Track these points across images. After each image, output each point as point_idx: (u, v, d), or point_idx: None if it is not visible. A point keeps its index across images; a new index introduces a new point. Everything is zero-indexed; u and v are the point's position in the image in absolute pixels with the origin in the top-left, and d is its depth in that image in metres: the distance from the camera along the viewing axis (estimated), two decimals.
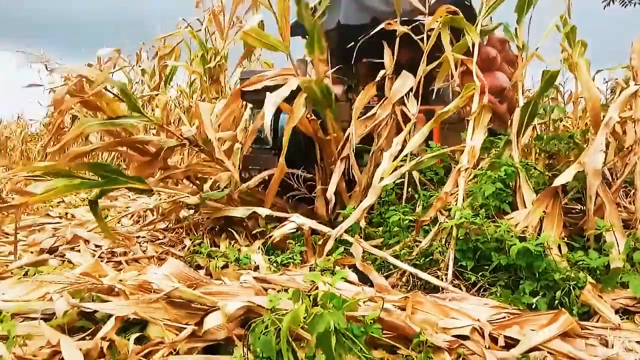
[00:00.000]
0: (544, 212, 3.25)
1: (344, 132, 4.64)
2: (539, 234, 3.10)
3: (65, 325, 2.12)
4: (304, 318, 1.71)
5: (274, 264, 3.49)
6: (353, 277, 2.95)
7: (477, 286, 2.97)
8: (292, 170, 4.44)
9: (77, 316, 2.20)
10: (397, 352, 2.06)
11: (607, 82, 8.24)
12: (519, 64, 3.99)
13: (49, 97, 12.98)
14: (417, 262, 3.27)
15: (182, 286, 2.28)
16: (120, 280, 2.34)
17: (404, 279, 3.27)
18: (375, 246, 3.65)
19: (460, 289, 2.99)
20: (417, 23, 4.52)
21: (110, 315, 2.09)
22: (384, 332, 2.08)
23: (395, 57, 5.20)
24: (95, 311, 2.20)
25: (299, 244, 3.84)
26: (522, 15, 3.78)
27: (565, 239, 3.23)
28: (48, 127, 13.92)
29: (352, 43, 5.06)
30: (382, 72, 4.69)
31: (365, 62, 5.89)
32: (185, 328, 2.07)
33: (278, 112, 4.07)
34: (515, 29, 3.92)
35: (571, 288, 2.71)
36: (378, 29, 4.65)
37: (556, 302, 2.68)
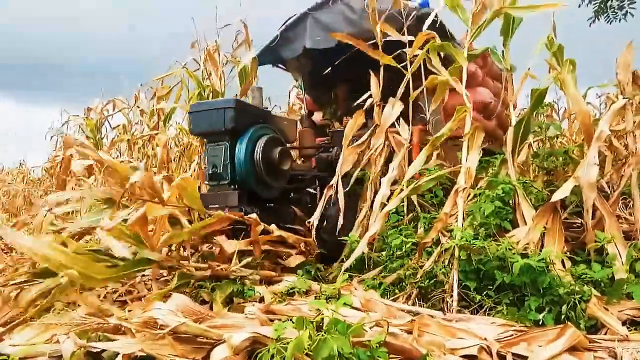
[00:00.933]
0: (544, 227, 3.28)
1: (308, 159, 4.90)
2: (540, 250, 3.11)
3: None
4: (309, 345, 1.72)
5: (279, 295, 3.49)
6: (358, 303, 2.96)
7: (484, 308, 2.97)
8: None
9: (85, 357, 2.20)
10: None
11: (599, 97, 8.34)
12: (508, 83, 4.06)
13: (51, 144, 13.14)
14: (422, 285, 3.27)
15: (188, 321, 2.29)
16: (126, 319, 2.35)
17: (409, 303, 3.27)
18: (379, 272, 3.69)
19: (466, 310, 2.99)
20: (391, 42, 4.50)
21: (117, 354, 2.10)
22: (391, 356, 2.08)
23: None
24: (103, 350, 2.20)
25: (305, 275, 3.86)
26: (508, 38, 3.88)
27: (568, 253, 3.24)
28: (50, 171, 14.04)
29: (329, 68, 5.24)
30: (366, 97, 4.72)
31: (343, 86, 6.12)
32: None
33: (233, 143, 4.06)
34: (502, 52, 4.01)
35: (577, 302, 2.71)
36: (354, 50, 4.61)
37: (562, 316, 2.68)
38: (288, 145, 4.84)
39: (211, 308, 3.01)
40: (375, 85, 4.68)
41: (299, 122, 5.33)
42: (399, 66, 4.50)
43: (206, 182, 4.53)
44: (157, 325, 2.29)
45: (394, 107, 4.50)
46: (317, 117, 6.79)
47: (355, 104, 5.57)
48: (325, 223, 4.30)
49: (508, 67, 3.92)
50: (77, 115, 11.10)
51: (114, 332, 2.33)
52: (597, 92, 8.67)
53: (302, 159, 5.18)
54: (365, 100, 4.70)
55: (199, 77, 7.90)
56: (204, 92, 7.49)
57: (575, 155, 4.24)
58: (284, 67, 6.28)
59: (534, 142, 5.61)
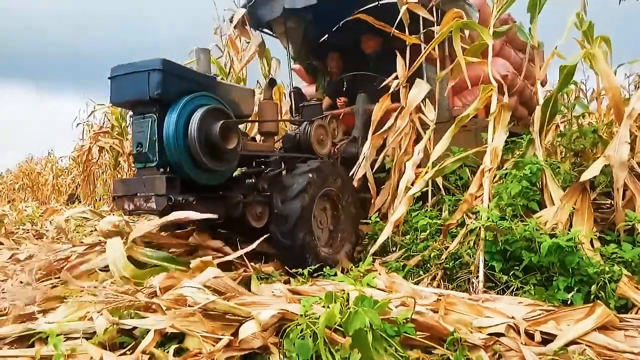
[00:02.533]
0: (573, 208, 3.22)
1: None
2: (569, 231, 3.07)
3: (106, 342, 2.19)
4: (339, 319, 1.74)
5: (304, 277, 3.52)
6: (382, 284, 2.96)
7: (510, 288, 2.95)
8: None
9: (117, 333, 2.26)
10: (432, 352, 2.06)
11: (628, 77, 8.12)
12: (536, 59, 3.96)
13: (78, 133, 13.41)
14: (447, 266, 3.26)
15: (217, 298, 2.33)
16: (157, 296, 2.41)
17: (434, 284, 3.26)
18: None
19: (492, 291, 2.97)
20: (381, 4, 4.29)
21: (148, 330, 2.15)
22: (418, 332, 2.08)
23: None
24: (134, 327, 2.26)
25: None
26: (535, 14, 3.78)
27: (597, 233, 3.19)
28: (77, 160, 14.34)
29: (326, 36, 4.94)
30: (395, 82, 4.61)
31: (334, 55, 5.78)
32: (221, 339, 2.11)
33: (162, 115, 3.26)
34: (530, 28, 3.92)
35: (606, 281, 2.67)
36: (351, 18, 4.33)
37: (592, 296, 2.64)
38: (246, 119, 4.14)
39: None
40: (401, 66, 4.57)
41: (266, 92, 4.47)
42: (410, 37, 4.34)
43: (133, 165, 3.88)
44: (187, 302, 2.34)
45: (421, 89, 4.40)
46: (310, 90, 6.43)
47: (344, 76, 5.41)
48: (281, 223, 3.56)
49: (535, 44, 3.83)
50: (102, 105, 11.30)
51: (145, 309, 2.38)
52: (626, 72, 8.43)
53: (263, 136, 4.31)
54: (390, 82, 4.63)
55: (220, 63, 7.95)
56: (227, 78, 7.54)
57: (604, 135, 4.14)
58: (270, 32, 5.84)
59: (561, 122, 5.50)
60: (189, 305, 2.29)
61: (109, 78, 3.42)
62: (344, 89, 5.54)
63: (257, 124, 4.78)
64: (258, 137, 4.86)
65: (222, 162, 3.47)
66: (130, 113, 3.53)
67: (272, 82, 4.48)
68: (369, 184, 4.48)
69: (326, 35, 5.00)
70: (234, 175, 3.87)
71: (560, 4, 4.08)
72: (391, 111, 4.63)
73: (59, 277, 3.22)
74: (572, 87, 7.69)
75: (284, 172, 3.98)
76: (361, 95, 5.07)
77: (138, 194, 3.27)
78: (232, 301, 2.35)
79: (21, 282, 3.22)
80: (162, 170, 3.30)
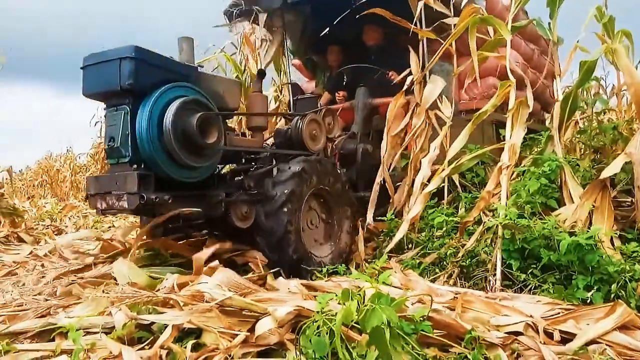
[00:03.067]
0: (592, 205, 3.17)
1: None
2: (588, 229, 3.02)
3: (125, 337, 2.21)
4: (356, 315, 1.73)
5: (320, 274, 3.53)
6: (398, 282, 2.95)
7: (528, 287, 2.91)
8: None
9: (135, 328, 2.28)
10: (450, 350, 2.04)
11: None
12: (552, 56, 3.90)
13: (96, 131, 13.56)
14: (463, 264, 3.24)
15: (234, 294, 2.34)
16: (174, 292, 2.43)
17: (450, 282, 3.24)
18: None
19: (509, 289, 2.94)
20: None
21: (166, 326, 2.17)
22: (435, 330, 2.07)
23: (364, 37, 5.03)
24: (152, 323, 2.28)
25: None
26: (555, 9, 3.73)
27: (617, 232, 3.13)
28: (94, 157, 14.53)
29: (327, 30, 4.80)
30: (406, 74, 4.51)
31: (334, 48, 5.58)
32: (238, 334, 2.12)
33: (135, 108, 3.05)
34: (549, 23, 3.86)
35: (627, 280, 2.62)
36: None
37: (612, 295, 2.60)
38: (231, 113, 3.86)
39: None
40: (415, 62, 4.49)
41: (255, 84, 4.16)
42: (426, 32, 4.24)
43: (106, 161, 3.69)
44: (204, 298, 2.36)
45: (436, 86, 4.33)
46: (310, 86, 6.23)
47: (343, 68, 5.14)
48: (266, 237, 3.40)
49: (555, 39, 3.77)
50: None
51: (163, 304, 2.40)
52: None
53: (251, 131, 4.05)
54: (405, 78, 4.53)
55: (235, 60, 7.98)
56: (242, 75, 7.56)
57: (624, 132, 4.07)
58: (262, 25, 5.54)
59: (580, 119, 5.42)
60: (206, 301, 2.31)
61: (80, 68, 3.20)
62: (344, 82, 5.37)
63: (246, 118, 4.42)
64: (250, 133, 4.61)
65: (201, 157, 3.23)
66: (104, 106, 3.27)
67: (261, 74, 4.14)
68: (373, 184, 4.33)
69: (327, 29, 4.86)
70: (219, 172, 3.73)
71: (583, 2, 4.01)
72: (400, 107, 4.56)
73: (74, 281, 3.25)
74: (592, 83, 7.55)
75: (274, 170, 3.70)
76: (361, 88, 4.91)
77: (111, 192, 3.08)
78: (248, 297, 2.36)
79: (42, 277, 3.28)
80: (135, 166, 3.08)
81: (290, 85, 5.95)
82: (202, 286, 2.38)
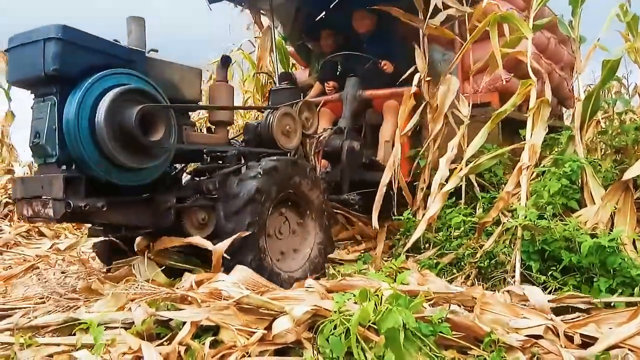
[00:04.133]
0: (614, 207, 3.13)
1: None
2: (610, 231, 2.97)
3: (144, 332, 2.24)
4: (372, 316, 1.73)
5: (337, 273, 3.52)
6: (415, 282, 2.93)
7: (548, 289, 2.88)
8: None
9: (154, 324, 2.31)
10: (468, 352, 2.03)
11: None
12: (575, 55, 3.84)
13: None
14: (481, 265, 3.21)
15: (251, 293, 2.35)
16: (193, 289, 2.45)
17: (468, 283, 3.22)
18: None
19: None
20: None
21: (184, 323, 2.19)
22: (453, 332, 2.05)
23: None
24: (171, 319, 2.30)
25: (362, 258, 3.87)
26: (577, 7, 3.67)
27: None
28: None
29: (323, 14, 4.63)
30: (412, 71, 4.28)
31: (329, 34, 5.24)
32: (255, 332, 2.13)
33: (64, 98, 2.62)
34: (571, 21, 3.80)
35: None
36: None
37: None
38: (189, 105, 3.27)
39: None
40: (421, 59, 4.26)
41: (219, 72, 3.64)
42: (445, 31, 4.08)
43: (33, 160, 3.19)
44: (222, 296, 2.37)
45: (450, 85, 4.19)
46: (303, 76, 5.79)
47: (332, 56, 4.80)
48: (224, 238, 2.88)
49: (577, 37, 3.71)
50: None
51: (181, 301, 2.42)
52: None
53: (214, 126, 3.50)
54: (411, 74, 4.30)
55: (252, 58, 8.01)
56: (259, 74, 7.58)
57: None
58: (248, 6, 5.21)
59: (601, 118, 5.33)
60: (224, 299, 2.32)
61: (5, 51, 2.82)
62: (337, 72, 5.00)
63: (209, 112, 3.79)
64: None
65: (144, 157, 2.77)
66: (32, 95, 2.81)
67: (225, 61, 3.62)
68: (359, 186, 4.15)
69: (323, 14, 4.66)
70: (175, 173, 3.32)
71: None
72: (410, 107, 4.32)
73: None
74: (614, 82, 7.43)
75: (242, 169, 3.20)
76: (351, 79, 4.57)
77: (39, 197, 2.63)
78: (265, 296, 2.37)
79: (63, 273, 3.33)
80: (64, 167, 2.63)
81: (278, 75, 5.44)
82: (220, 284, 2.39)
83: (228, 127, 3.59)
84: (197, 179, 3.33)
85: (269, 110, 3.63)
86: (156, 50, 3.10)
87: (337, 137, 4.26)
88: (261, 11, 5.28)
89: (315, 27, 5.17)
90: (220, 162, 3.34)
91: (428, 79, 4.30)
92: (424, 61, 4.23)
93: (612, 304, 2.54)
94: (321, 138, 4.16)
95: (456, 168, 3.77)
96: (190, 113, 3.53)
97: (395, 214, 4.12)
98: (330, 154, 4.21)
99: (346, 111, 4.49)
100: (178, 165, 3.42)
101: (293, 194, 3.27)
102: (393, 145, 4.27)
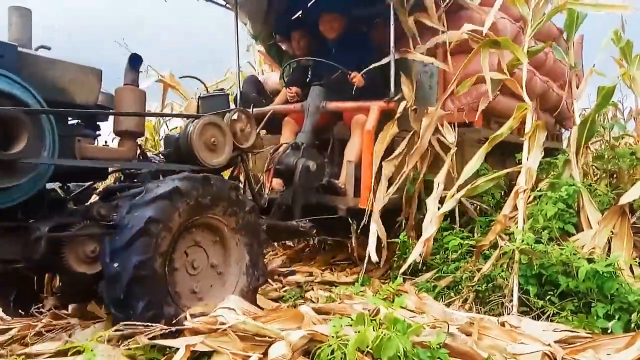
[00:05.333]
0: (611, 232, 3.13)
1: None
2: (607, 256, 2.98)
3: (137, 357, 2.20)
4: (371, 342, 1.72)
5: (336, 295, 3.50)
6: (412, 305, 2.92)
7: (546, 314, 2.87)
8: None
9: (150, 349, 2.27)
10: None
11: None
12: (571, 81, 3.89)
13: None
14: (479, 288, 3.20)
15: (247, 318, 2.33)
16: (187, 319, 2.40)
17: (466, 307, 3.20)
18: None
19: (526, 316, 2.89)
20: None
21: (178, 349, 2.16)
22: (450, 358, 2.04)
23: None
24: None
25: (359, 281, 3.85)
26: (572, 33, 3.73)
27: (637, 259, 3.08)
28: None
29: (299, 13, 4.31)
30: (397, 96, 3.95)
31: (301, 36, 4.78)
32: (250, 356, 2.11)
33: None
34: (566, 47, 3.87)
35: None
36: None
37: (632, 325, 2.54)
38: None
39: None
40: (408, 87, 3.99)
41: (127, 74, 2.96)
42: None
43: None
44: (218, 322, 2.34)
45: (433, 118, 3.91)
46: (273, 80, 5.28)
47: (295, 60, 4.49)
48: (110, 285, 2.35)
49: (572, 63, 3.77)
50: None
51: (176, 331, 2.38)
52: None
53: (119, 137, 2.95)
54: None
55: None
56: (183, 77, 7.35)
57: None
58: (220, 2, 4.73)
59: (595, 141, 5.37)
60: (221, 323, 2.30)
61: None
62: (307, 79, 4.51)
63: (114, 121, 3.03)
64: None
65: (2, 175, 2.26)
66: None
67: (135, 61, 2.96)
68: (314, 210, 3.76)
69: (299, 13, 4.36)
70: (60, 194, 2.84)
71: (598, 23, 4.00)
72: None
73: None
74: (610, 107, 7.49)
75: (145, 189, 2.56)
76: (315, 87, 4.11)
77: None
78: (261, 320, 2.35)
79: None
80: None
81: (240, 79, 4.86)
82: (217, 312, 2.36)
83: (138, 139, 3.03)
84: (90, 202, 2.77)
85: (190, 120, 3.10)
86: (48, 48, 2.72)
87: (293, 154, 3.75)
88: (227, 5, 4.75)
89: (290, 27, 4.82)
90: (135, 180, 2.97)
91: (414, 107, 4.02)
92: (410, 88, 3.93)
93: (609, 330, 2.53)
94: (274, 153, 3.76)
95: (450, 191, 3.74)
96: (99, 123, 3.01)
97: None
98: (283, 173, 3.75)
99: (307, 124, 4.03)
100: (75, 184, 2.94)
101: (209, 219, 2.72)
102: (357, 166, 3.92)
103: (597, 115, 3.70)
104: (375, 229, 3.70)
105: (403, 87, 4.02)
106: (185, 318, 2.35)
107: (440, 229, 3.88)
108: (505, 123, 3.51)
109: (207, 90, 3.51)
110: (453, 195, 3.64)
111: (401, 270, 3.67)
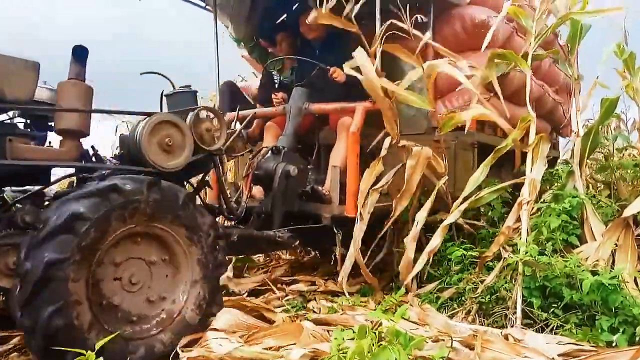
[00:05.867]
0: (615, 244, 3.12)
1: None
2: (612, 268, 2.96)
3: None
4: (369, 352, 1.70)
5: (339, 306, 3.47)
6: (415, 316, 2.91)
7: (550, 326, 2.84)
8: None
9: None
10: None
11: None
12: (575, 93, 3.88)
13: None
14: (482, 300, 3.17)
15: (243, 346, 2.26)
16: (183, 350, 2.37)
17: (469, 318, 3.18)
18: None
19: (530, 328, 2.87)
20: None
21: None
22: None
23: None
24: None
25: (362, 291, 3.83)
26: (575, 46, 3.73)
27: None
28: None
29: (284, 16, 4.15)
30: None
31: (283, 38, 4.58)
32: None
33: None
34: (569, 59, 3.87)
35: None
36: None
37: (637, 338, 2.52)
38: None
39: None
40: (392, 128, 3.52)
41: (72, 68, 2.68)
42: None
43: None
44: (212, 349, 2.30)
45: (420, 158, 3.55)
46: (254, 85, 5.08)
47: (272, 60, 4.30)
48: (18, 285, 2.10)
49: (576, 75, 3.77)
50: (128, 121, 11.52)
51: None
52: None
53: (61, 135, 2.66)
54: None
55: None
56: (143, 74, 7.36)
57: None
58: (198, 3, 4.51)
59: (598, 153, 5.35)
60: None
61: None
62: (292, 81, 4.36)
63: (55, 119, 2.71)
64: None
65: None
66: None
67: (80, 53, 2.69)
68: (295, 218, 3.53)
69: (285, 16, 4.20)
70: None
71: (600, 35, 4.01)
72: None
73: None
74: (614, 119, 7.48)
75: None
76: (298, 89, 3.90)
77: None
78: (259, 338, 2.33)
79: None
80: None
81: (218, 84, 4.59)
82: (211, 341, 2.32)
83: (82, 139, 2.71)
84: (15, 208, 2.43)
85: (141, 118, 2.75)
86: None
87: (273, 159, 3.52)
88: (207, 7, 4.53)
89: (274, 29, 4.66)
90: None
91: (401, 144, 3.58)
92: (396, 128, 3.52)
93: (614, 343, 2.51)
94: (253, 159, 3.55)
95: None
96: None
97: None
98: (262, 179, 3.49)
99: (288, 127, 3.79)
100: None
101: (157, 229, 2.43)
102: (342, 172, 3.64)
103: (600, 126, 3.69)
104: (353, 250, 3.44)
105: (386, 124, 3.51)
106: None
107: (445, 240, 3.86)
108: (498, 127, 3.42)
109: (173, 87, 3.15)
110: (457, 207, 3.62)
111: (405, 282, 3.64)
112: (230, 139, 3.07)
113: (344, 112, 3.75)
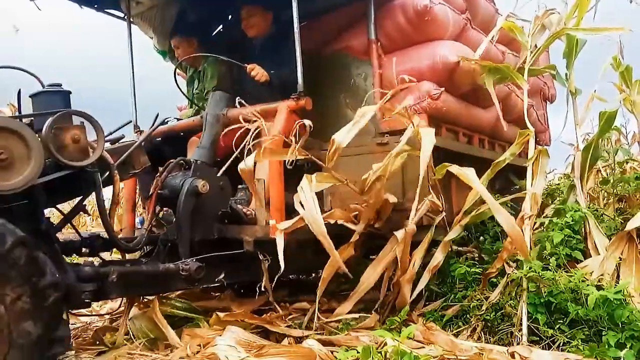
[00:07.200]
0: (619, 258, 3.09)
1: None
2: (617, 282, 2.93)
3: None
4: None
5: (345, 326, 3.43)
6: (419, 335, 2.87)
7: (556, 343, 2.80)
8: None
9: None
10: None
11: None
12: (574, 106, 3.89)
13: None
14: (487, 317, 3.14)
15: (249, 357, 2.26)
16: (188, 357, 2.37)
17: (475, 336, 3.14)
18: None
19: (537, 345, 2.83)
20: None
21: None
22: None
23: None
24: None
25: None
26: (571, 60, 3.76)
27: None
28: None
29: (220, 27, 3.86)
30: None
31: (182, 41, 4.06)
32: None
33: None
34: (566, 74, 3.89)
35: None
36: None
37: None
38: None
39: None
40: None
41: None
42: None
43: None
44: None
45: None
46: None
47: (184, 59, 3.87)
48: None
49: (572, 90, 3.79)
50: None
51: None
52: None
53: None
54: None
55: None
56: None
57: None
58: (111, 13, 4.08)
59: (602, 167, 5.35)
60: None
61: None
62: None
63: None
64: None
65: None
66: None
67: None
68: (207, 246, 2.95)
69: (220, 27, 3.92)
70: None
71: (596, 49, 4.04)
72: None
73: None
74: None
75: None
76: (215, 93, 3.50)
77: None
78: (264, 356, 2.31)
79: None
80: None
81: (135, 97, 4.11)
82: (218, 348, 2.31)
83: None
84: None
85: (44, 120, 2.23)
86: None
87: (181, 175, 2.99)
88: (123, 17, 4.13)
89: (170, 35, 4.19)
90: None
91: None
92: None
93: (621, 359, 2.47)
94: (160, 176, 3.01)
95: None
96: None
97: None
98: (168, 199, 2.94)
99: (204, 138, 3.34)
100: None
101: None
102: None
103: (600, 139, 3.70)
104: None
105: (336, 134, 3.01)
106: None
107: (447, 256, 3.84)
108: (458, 130, 3.31)
109: (42, 86, 2.59)
110: (458, 222, 3.61)
111: (409, 300, 3.60)
112: (127, 153, 2.55)
113: (266, 114, 3.10)
